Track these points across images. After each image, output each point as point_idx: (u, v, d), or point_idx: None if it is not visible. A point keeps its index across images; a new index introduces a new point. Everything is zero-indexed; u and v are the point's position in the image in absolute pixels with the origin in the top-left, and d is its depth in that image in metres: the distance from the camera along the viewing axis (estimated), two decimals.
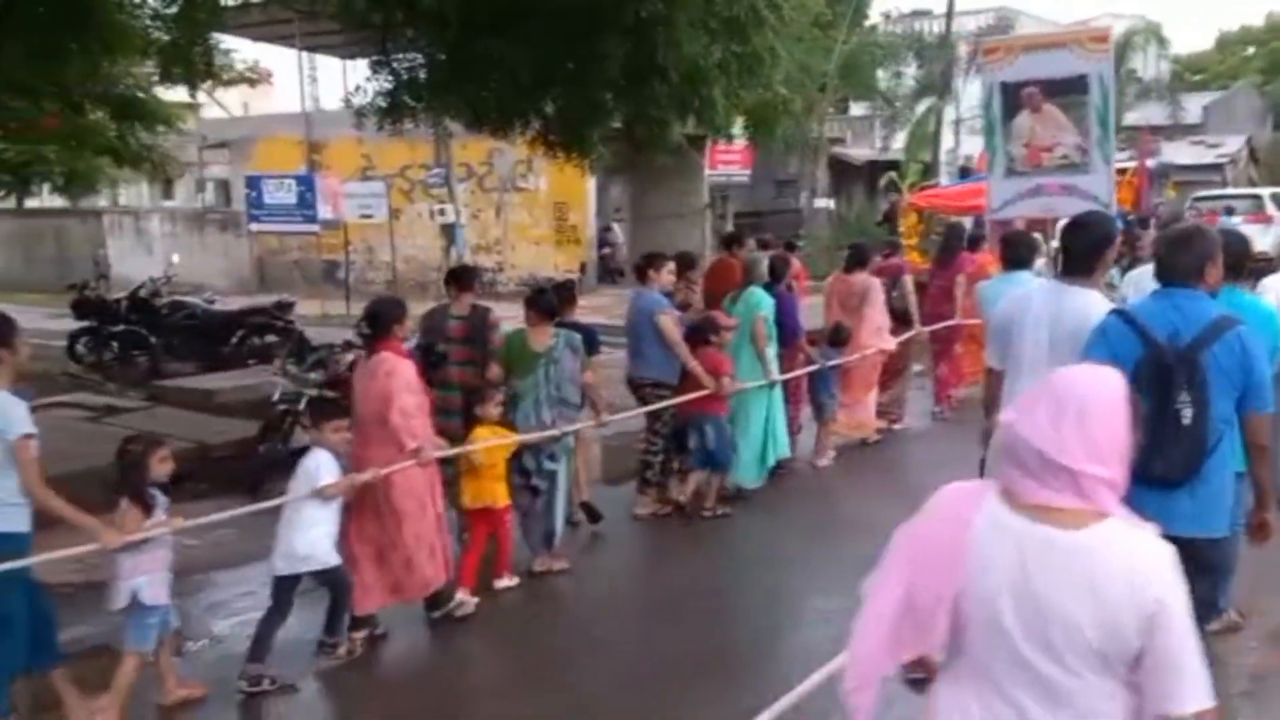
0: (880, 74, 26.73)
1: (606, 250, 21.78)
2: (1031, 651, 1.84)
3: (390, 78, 9.26)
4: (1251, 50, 52.28)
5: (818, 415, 8.19)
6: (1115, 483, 1.87)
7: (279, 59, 53.49)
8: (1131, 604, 1.79)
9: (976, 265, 9.08)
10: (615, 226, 22.72)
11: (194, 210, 26.38)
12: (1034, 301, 4.14)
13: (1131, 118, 27.44)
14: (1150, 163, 14.83)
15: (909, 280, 9.12)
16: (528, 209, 20.79)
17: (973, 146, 25.26)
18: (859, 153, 28.48)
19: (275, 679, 4.56)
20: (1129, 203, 15.46)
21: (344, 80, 28.60)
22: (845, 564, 4.92)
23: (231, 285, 20.12)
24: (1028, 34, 14.70)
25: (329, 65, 21.11)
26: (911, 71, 26.71)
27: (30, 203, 25.34)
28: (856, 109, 31.13)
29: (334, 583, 4.76)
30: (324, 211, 18.19)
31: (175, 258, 16.42)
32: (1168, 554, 1.86)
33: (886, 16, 31.38)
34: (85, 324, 12.45)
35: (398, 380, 5.00)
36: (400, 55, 9.43)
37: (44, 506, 4.00)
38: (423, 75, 9.15)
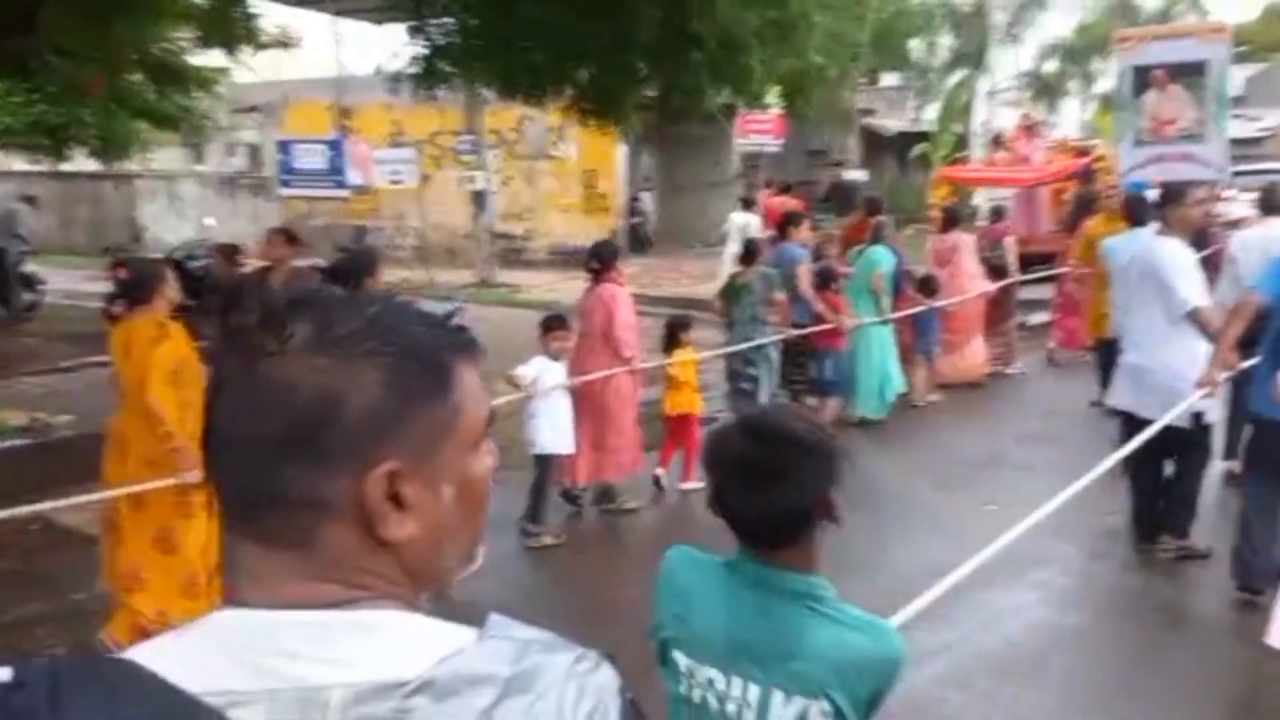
0: (914, 44, 26.42)
1: (636, 219, 21.74)
2: None
3: (425, 44, 9.29)
4: None
5: (922, 359, 9.28)
6: None
7: (308, 23, 53.53)
8: None
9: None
10: (645, 195, 22.67)
11: (225, 175, 26.52)
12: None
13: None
14: None
15: (1011, 240, 10.68)
16: (557, 177, 20.77)
17: (1005, 119, 25.01)
18: (891, 123, 28.21)
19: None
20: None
21: (375, 45, 28.56)
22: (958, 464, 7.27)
23: (262, 250, 20.25)
24: (1155, 26, 16.61)
25: (359, 30, 21.10)
26: (946, 42, 26.39)
27: (64, 167, 25.54)
28: (889, 79, 30.81)
29: (542, 467, 5.85)
30: (353, 177, 18.24)
31: (209, 220, 16.55)
32: None
33: None
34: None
35: (619, 304, 6.28)
36: (434, 21, 9.45)
37: None
38: (457, 42, 9.16)
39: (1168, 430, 4.86)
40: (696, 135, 19.88)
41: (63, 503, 4.63)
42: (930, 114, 26.09)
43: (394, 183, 18.35)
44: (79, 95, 10.64)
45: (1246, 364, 4.87)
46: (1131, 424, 5.24)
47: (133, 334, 4.39)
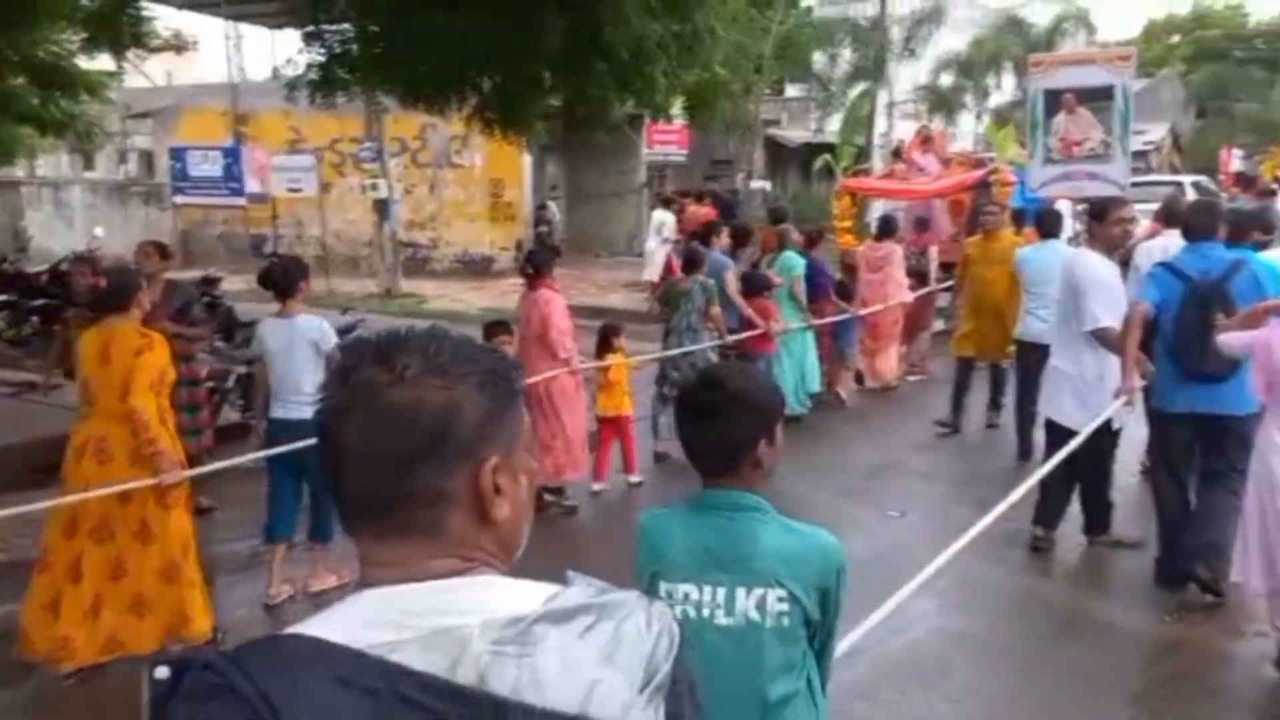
0: (816, 56, 26.87)
1: (543, 228, 21.65)
2: None
3: (323, 50, 9.07)
4: (1176, 39, 53.53)
5: (839, 358, 9.82)
6: None
7: (203, 27, 52.15)
8: None
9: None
10: (551, 204, 22.58)
11: (116, 182, 25.61)
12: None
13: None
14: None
15: (935, 250, 11.48)
16: (462, 185, 20.55)
17: (905, 130, 25.57)
18: (795, 134, 28.64)
19: None
20: None
21: (272, 50, 27.89)
22: (863, 471, 7.65)
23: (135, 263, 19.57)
24: (1067, 52, 18.12)
25: (255, 34, 20.62)
26: (846, 55, 26.89)
27: None
28: (792, 91, 31.29)
29: None
30: (251, 184, 17.80)
31: (99, 230, 15.93)
32: None
33: None
34: (4, 298, 12.03)
35: (554, 308, 6.62)
36: (332, 27, 9.24)
37: None
38: (356, 48, 8.97)
39: (1073, 434, 5.19)
40: (603, 144, 19.87)
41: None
42: (833, 125, 26.55)
43: (293, 191, 17.93)
44: None
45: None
46: (1057, 429, 5.62)
47: (113, 340, 4.58)
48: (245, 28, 18.69)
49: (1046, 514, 5.83)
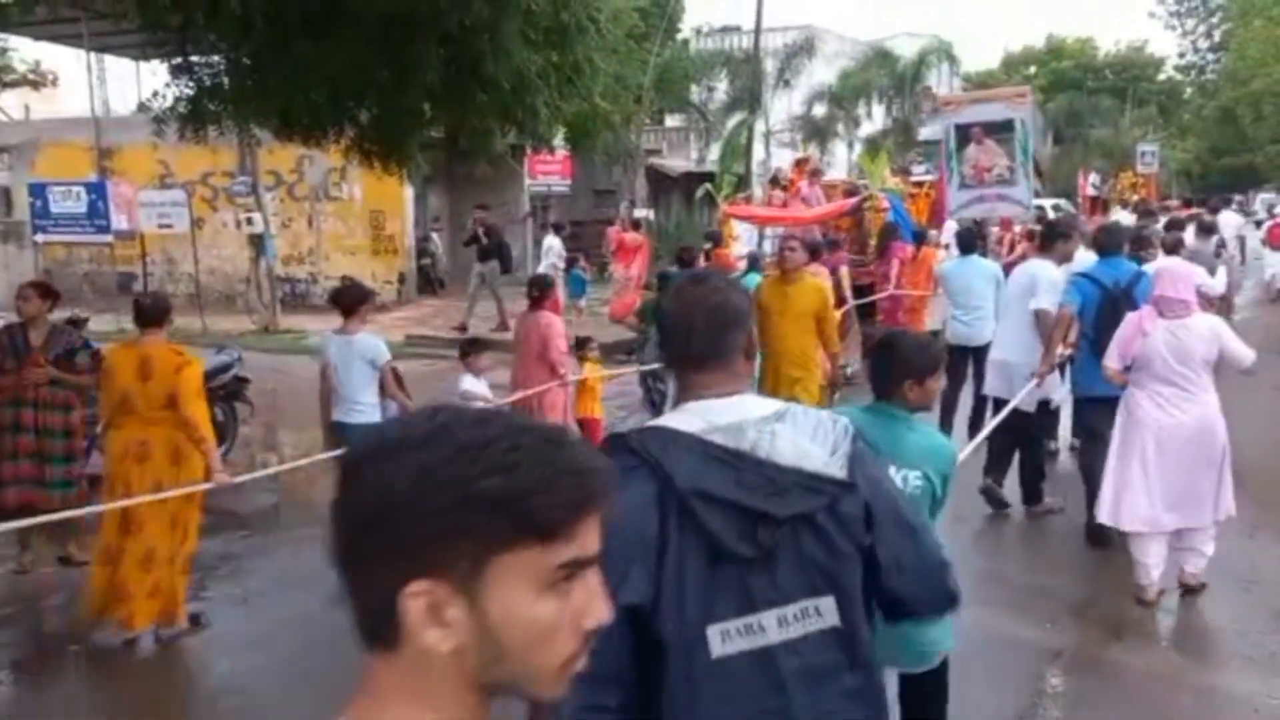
0: (694, 87, 27.32)
1: (426, 260, 21.40)
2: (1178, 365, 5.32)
3: (192, 83, 8.82)
4: (1033, 69, 56.24)
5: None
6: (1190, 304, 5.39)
7: (64, 60, 50.19)
8: (1212, 340, 5.31)
9: (923, 255, 12.15)
10: (435, 236, 22.35)
11: None
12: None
13: (926, 132, 29.04)
14: None
15: (845, 270, 11.94)
16: (342, 218, 20.16)
17: (781, 158, 26.15)
18: (676, 163, 29.01)
19: None
20: (925, 214, 16.35)
21: (137, 82, 27.02)
22: None
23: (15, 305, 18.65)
24: (974, 92, 20.33)
25: (119, 66, 19.92)
26: (723, 86, 27.40)
27: None
28: (672, 121, 31.72)
29: None
30: (118, 221, 17.12)
31: None
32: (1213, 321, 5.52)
33: (698, 32, 32.13)
34: None
35: (554, 330, 7.29)
36: (201, 59, 8.98)
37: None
38: (227, 80, 8.74)
39: (1019, 413, 6.65)
40: (486, 176, 19.77)
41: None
42: (713, 154, 26.99)
43: (163, 227, 17.31)
44: None
45: (1066, 353, 6.86)
46: (1000, 406, 6.96)
47: (152, 357, 5.25)
48: (109, 60, 18.08)
49: (995, 466, 7.05)
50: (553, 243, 17.31)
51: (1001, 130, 12.59)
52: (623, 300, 16.23)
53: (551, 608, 0.96)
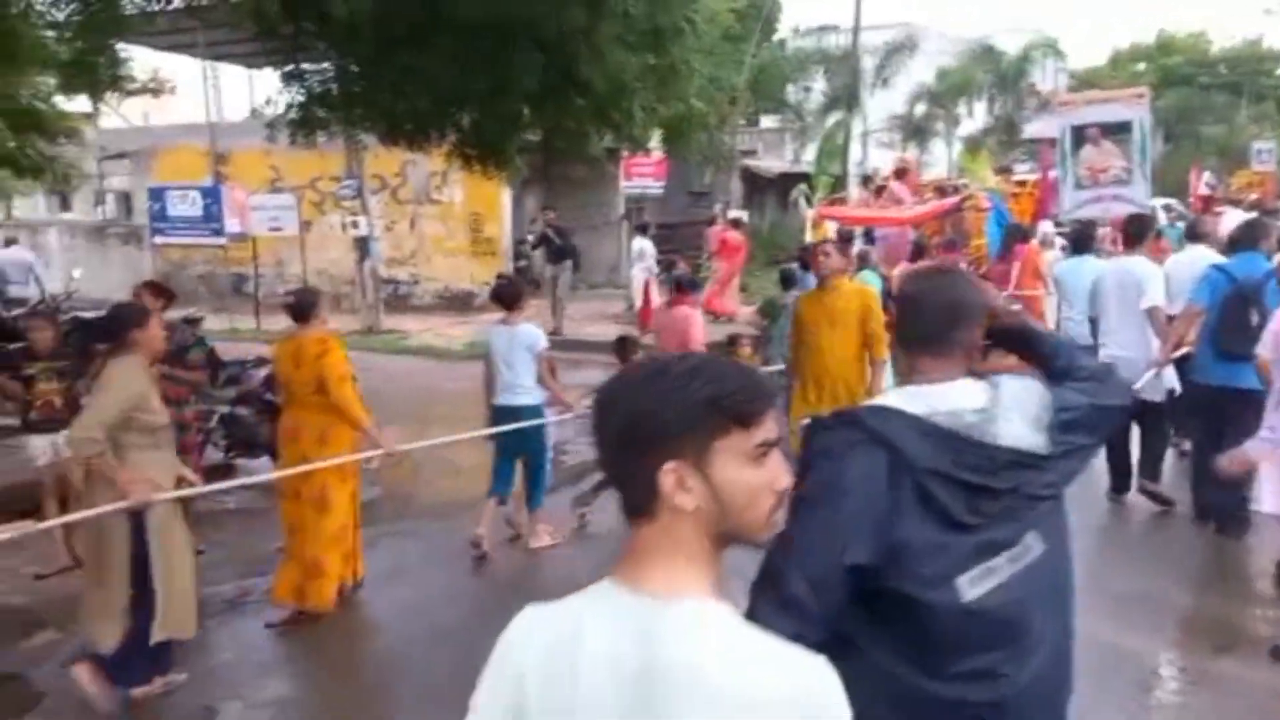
0: (790, 87, 27.15)
1: (523, 262, 21.71)
2: None
3: (302, 90, 9.13)
4: (1142, 66, 54.40)
5: None
6: None
7: (180, 68, 52.23)
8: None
9: (1029, 255, 12.18)
10: (532, 238, 22.65)
11: (94, 223, 25.54)
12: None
13: (1031, 130, 28.36)
14: (1053, 174, 15.48)
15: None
16: (442, 221, 20.59)
17: (880, 158, 25.83)
18: (771, 164, 28.88)
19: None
20: (1029, 214, 16.00)
21: (250, 90, 27.95)
22: None
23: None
24: (1090, 92, 19.60)
25: (232, 74, 20.65)
26: (820, 85, 27.17)
27: None
28: (768, 121, 31.58)
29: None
30: (231, 224, 17.78)
31: (77, 272, 15.88)
32: None
33: (795, 31, 31.93)
34: None
35: (693, 323, 7.54)
36: (312, 66, 9.30)
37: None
38: (335, 87, 9.03)
39: (1148, 404, 6.78)
40: (581, 178, 19.98)
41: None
42: (809, 155, 26.77)
43: (273, 230, 17.93)
44: None
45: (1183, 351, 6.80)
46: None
47: (301, 348, 5.73)
48: (223, 68, 18.78)
49: (1145, 465, 7.21)
50: (644, 245, 17.35)
51: (1119, 131, 12.71)
52: (718, 298, 16.24)
53: (755, 474, 1.39)
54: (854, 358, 6.51)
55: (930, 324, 2.09)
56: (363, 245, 17.48)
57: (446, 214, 20.53)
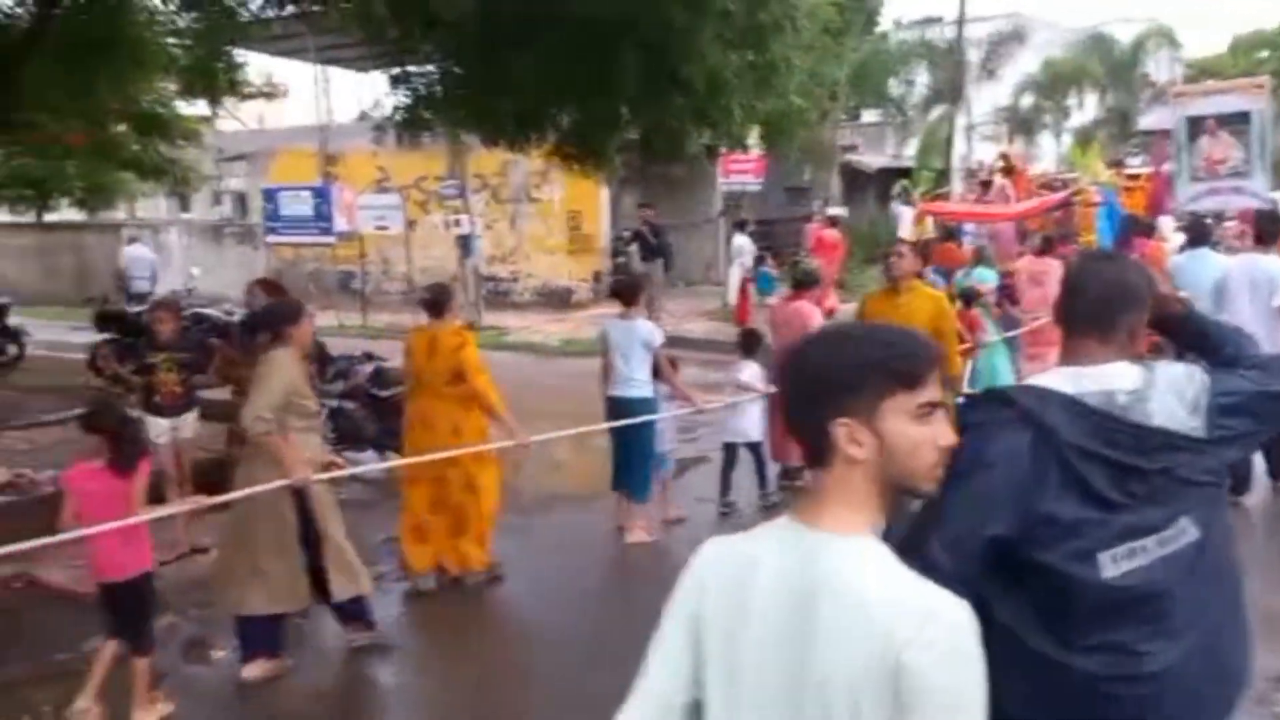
0: (892, 81, 26.74)
1: (621, 259, 21.85)
2: None
3: (408, 92, 9.35)
4: (1265, 54, 51.97)
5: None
6: None
7: (291, 72, 53.91)
8: None
9: (1149, 249, 11.57)
10: (627, 235, 22.78)
11: (211, 223, 26.55)
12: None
13: (1146, 122, 27.39)
14: (1166, 167, 14.96)
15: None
16: (542, 219, 20.87)
17: (985, 153, 25.25)
18: (872, 160, 28.49)
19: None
20: (1141, 208, 15.48)
21: (358, 92, 28.73)
22: None
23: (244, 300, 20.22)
24: (1207, 83, 19.50)
25: (342, 78, 21.23)
26: (923, 79, 26.70)
27: (47, 217, 25.52)
28: (869, 116, 31.15)
29: (756, 451, 7.51)
30: (339, 223, 18.31)
31: (195, 270, 16.56)
32: None
33: (897, 24, 31.42)
34: (107, 336, 12.53)
35: (814, 318, 7.48)
36: (416, 69, 9.51)
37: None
38: (440, 89, 9.23)
39: None
40: (679, 176, 20.00)
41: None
42: (911, 150, 26.34)
43: (379, 228, 18.41)
44: (60, 149, 10.71)
45: None
46: None
47: (437, 339, 6.12)
48: (333, 71, 19.33)
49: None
50: (743, 242, 17.36)
51: (1236, 121, 12.47)
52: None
53: (919, 431, 1.55)
54: None
55: (1095, 305, 2.11)
56: (465, 243, 17.82)
57: (546, 212, 20.79)
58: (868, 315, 6.62)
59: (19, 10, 8.36)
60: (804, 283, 8.07)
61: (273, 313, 5.43)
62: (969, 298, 9.38)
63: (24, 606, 5.90)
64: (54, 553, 5.31)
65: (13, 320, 14.00)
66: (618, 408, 6.86)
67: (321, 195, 18.35)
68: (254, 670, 4.94)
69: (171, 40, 9.23)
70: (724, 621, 1.57)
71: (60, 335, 15.39)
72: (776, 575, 1.53)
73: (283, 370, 4.92)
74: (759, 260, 17.82)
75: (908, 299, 6.48)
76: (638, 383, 6.83)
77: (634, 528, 6.96)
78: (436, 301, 6.28)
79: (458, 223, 17.63)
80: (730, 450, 7.50)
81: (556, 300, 20.31)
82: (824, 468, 1.57)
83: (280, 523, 4.93)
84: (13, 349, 13.73)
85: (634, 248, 16.69)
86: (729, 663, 1.56)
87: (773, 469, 7.69)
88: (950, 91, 24.60)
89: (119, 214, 25.55)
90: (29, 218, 22.50)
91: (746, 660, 1.55)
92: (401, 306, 17.75)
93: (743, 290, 15.95)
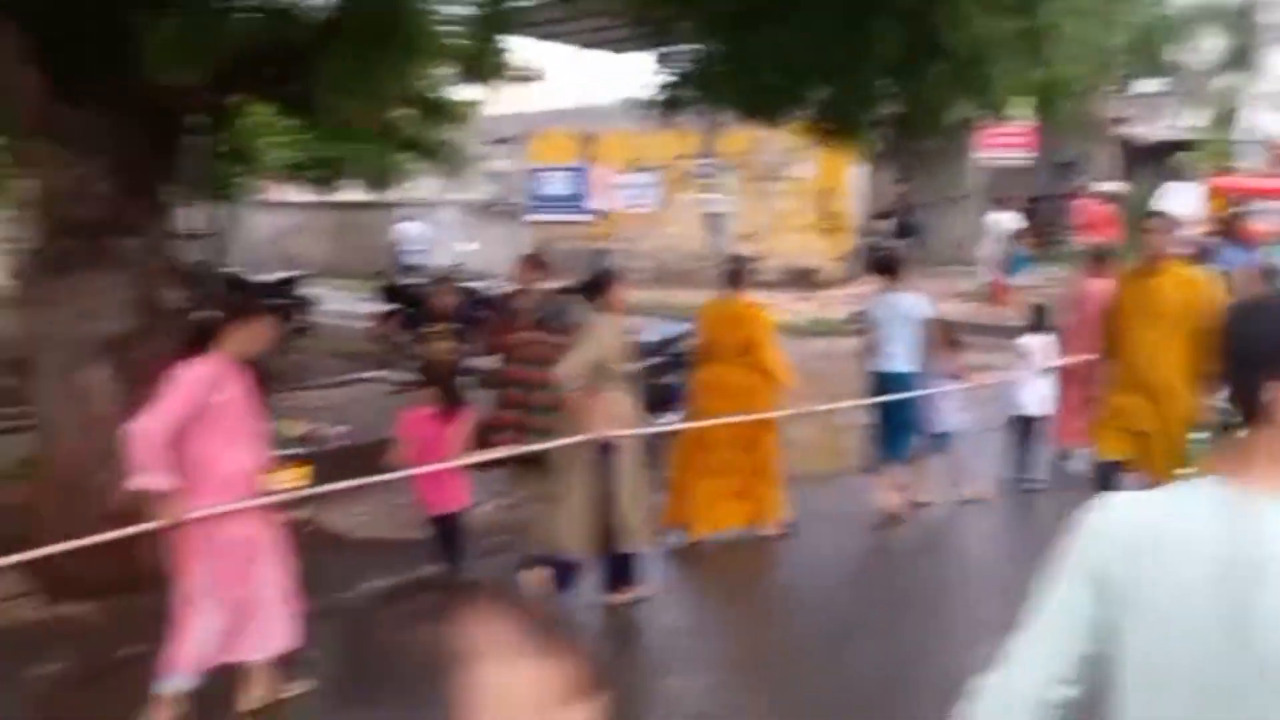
0: (1174, 48, 24.74)
1: (873, 238, 21.45)
2: None
3: (670, 72, 9.56)
4: None
5: None
6: None
7: (549, 55, 55.82)
8: None
9: None
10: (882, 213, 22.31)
11: (478, 202, 28.10)
12: None
13: None
14: None
15: None
16: (793, 197, 20.78)
17: (1277, 124, 22.91)
18: (1149, 132, 26.46)
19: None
20: None
21: (615, 75, 29.59)
22: None
23: (515, 275, 21.25)
24: None
25: (599, 60, 21.81)
26: (1209, 45, 24.55)
27: (333, 197, 27.74)
28: (1147, 85, 28.93)
29: (1029, 426, 7.65)
30: (595, 202, 18.96)
31: (471, 245, 17.65)
32: None
33: None
34: (392, 307, 13.61)
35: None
36: (675, 48, 9.70)
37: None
38: (699, 68, 9.37)
39: None
40: (933, 151, 19.39)
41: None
42: (1192, 121, 24.32)
43: (634, 207, 18.92)
44: (351, 130, 11.64)
45: None
46: None
47: (733, 311, 6.68)
48: (590, 54, 19.98)
49: None
50: (1001, 219, 16.63)
51: None
52: None
53: None
54: (1177, 366, 5.38)
55: None
56: (714, 221, 18.03)
57: (796, 190, 20.68)
58: (1113, 303, 5.96)
59: (318, 3, 9.16)
60: (1103, 260, 8.18)
61: (595, 281, 5.93)
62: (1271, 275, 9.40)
63: (310, 547, 6.51)
64: (337, 500, 5.86)
65: (301, 291, 15.45)
66: (879, 383, 6.97)
67: (579, 175, 19.05)
68: (620, 597, 5.53)
69: (447, 28, 9.82)
70: (1145, 585, 1.59)
71: (346, 305, 16.83)
72: (1200, 538, 1.57)
73: (601, 333, 5.32)
74: (1014, 238, 17.05)
75: (1161, 282, 5.69)
76: (899, 357, 6.91)
77: (886, 491, 7.13)
78: (736, 274, 6.76)
79: (711, 201, 17.86)
80: (1020, 423, 7.67)
81: (802, 279, 20.19)
82: (1254, 428, 1.62)
83: (583, 475, 5.34)
84: (301, 317, 15.18)
85: (887, 224, 16.34)
86: (1150, 627, 1.59)
87: (1044, 453, 7.62)
88: (1240, 58, 22.48)
89: (395, 194, 27.42)
90: (319, 198, 24.58)
91: (1174, 628, 1.57)
92: (651, 283, 18.20)
93: (1000, 270, 15.33)
